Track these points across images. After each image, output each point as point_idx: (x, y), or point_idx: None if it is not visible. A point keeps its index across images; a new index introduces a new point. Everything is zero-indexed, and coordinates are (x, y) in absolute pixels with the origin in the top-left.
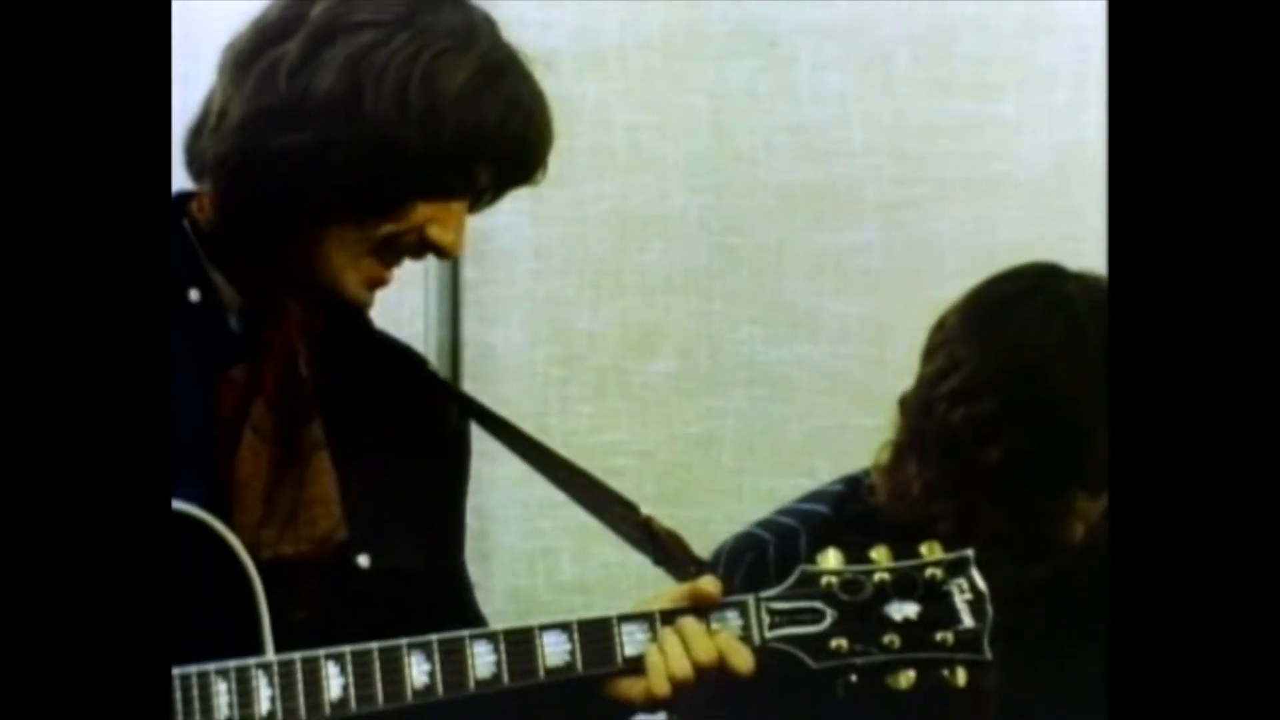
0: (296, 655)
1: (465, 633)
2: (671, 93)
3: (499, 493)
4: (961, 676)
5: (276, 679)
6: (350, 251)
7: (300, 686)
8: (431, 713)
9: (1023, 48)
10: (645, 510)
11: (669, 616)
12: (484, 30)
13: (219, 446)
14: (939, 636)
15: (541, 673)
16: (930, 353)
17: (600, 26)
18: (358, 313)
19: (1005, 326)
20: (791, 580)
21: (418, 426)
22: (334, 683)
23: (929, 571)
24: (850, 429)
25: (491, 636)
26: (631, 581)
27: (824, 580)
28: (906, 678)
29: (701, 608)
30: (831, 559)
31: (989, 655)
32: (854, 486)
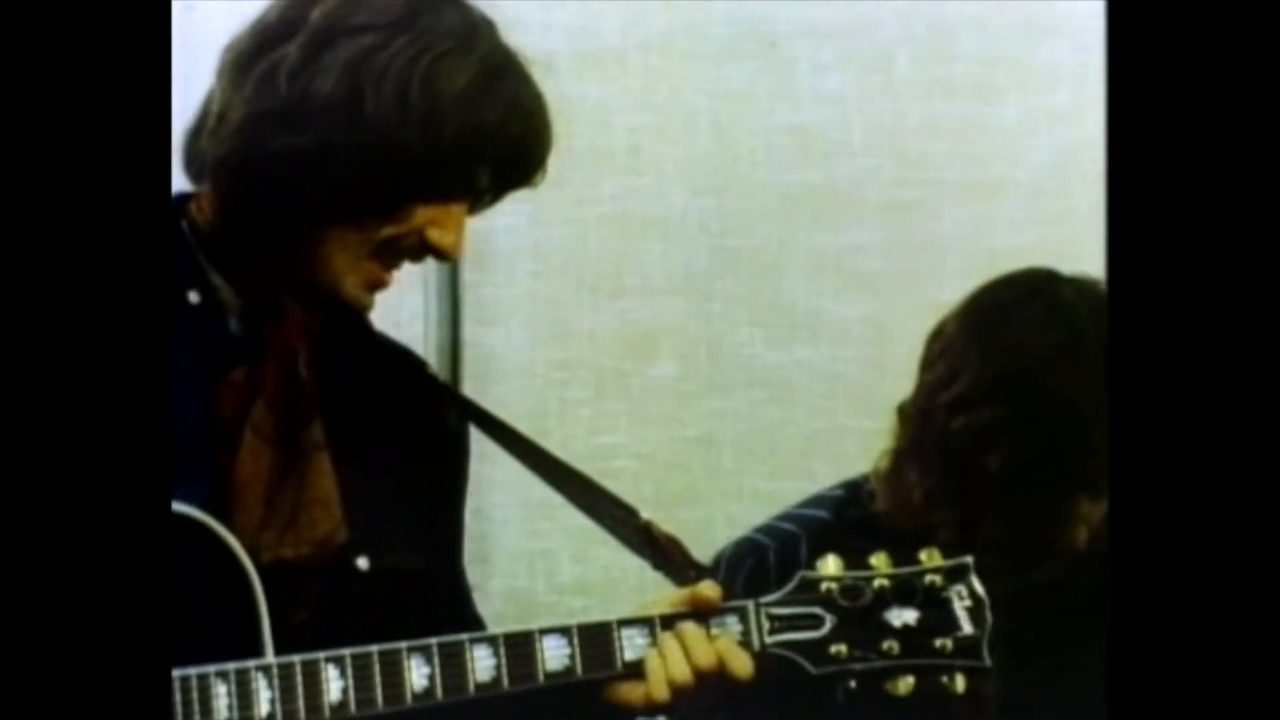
0: (296, 658)
1: (465, 636)
2: (671, 94)
3: (498, 494)
4: (960, 683)
5: (276, 681)
6: (350, 254)
7: (300, 689)
8: (431, 716)
9: (1023, 49)
10: (645, 514)
11: (669, 621)
12: (484, 32)
13: (219, 448)
14: (938, 643)
15: (541, 677)
16: (929, 361)
17: (600, 27)
18: (358, 315)
19: (1004, 333)
20: (791, 586)
21: (417, 428)
22: (333, 685)
23: (928, 578)
24: (850, 431)
25: (491, 640)
26: (631, 584)
27: (824, 586)
28: (906, 684)
29: (701, 613)
30: (831, 565)
31: (988, 662)
32: (854, 491)
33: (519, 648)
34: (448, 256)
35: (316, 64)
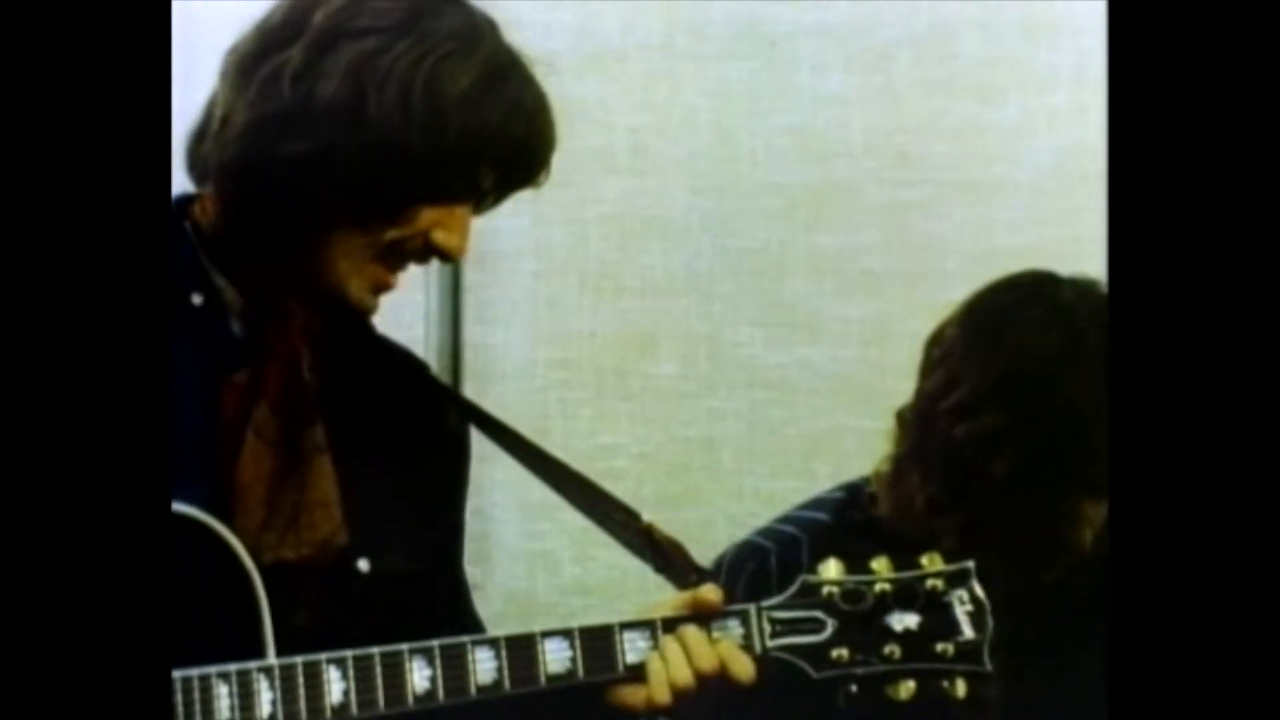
0: (298, 659)
1: (467, 638)
2: (672, 94)
3: (499, 494)
4: (961, 688)
5: (278, 682)
6: (355, 257)
7: (301, 690)
8: (432, 718)
9: (1023, 49)
10: (646, 516)
11: (670, 624)
12: (486, 33)
13: (221, 449)
14: (939, 647)
15: (543, 679)
16: (928, 367)
17: (601, 28)
18: (363, 318)
19: (1004, 337)
20: (793, 590)
21: (419, 431)
22: (335, 687)
23: (930, 582)
24: (850, 431)
25: (493, 642)
26: (632, 584)
27: (825, 590)
28: (907, 688)
29: (703, 616)
30: (833, 569)
31: (989, 667)
32: (854, 494)
33: (521, 650)
34: (453, 258)
35: (319, 67)
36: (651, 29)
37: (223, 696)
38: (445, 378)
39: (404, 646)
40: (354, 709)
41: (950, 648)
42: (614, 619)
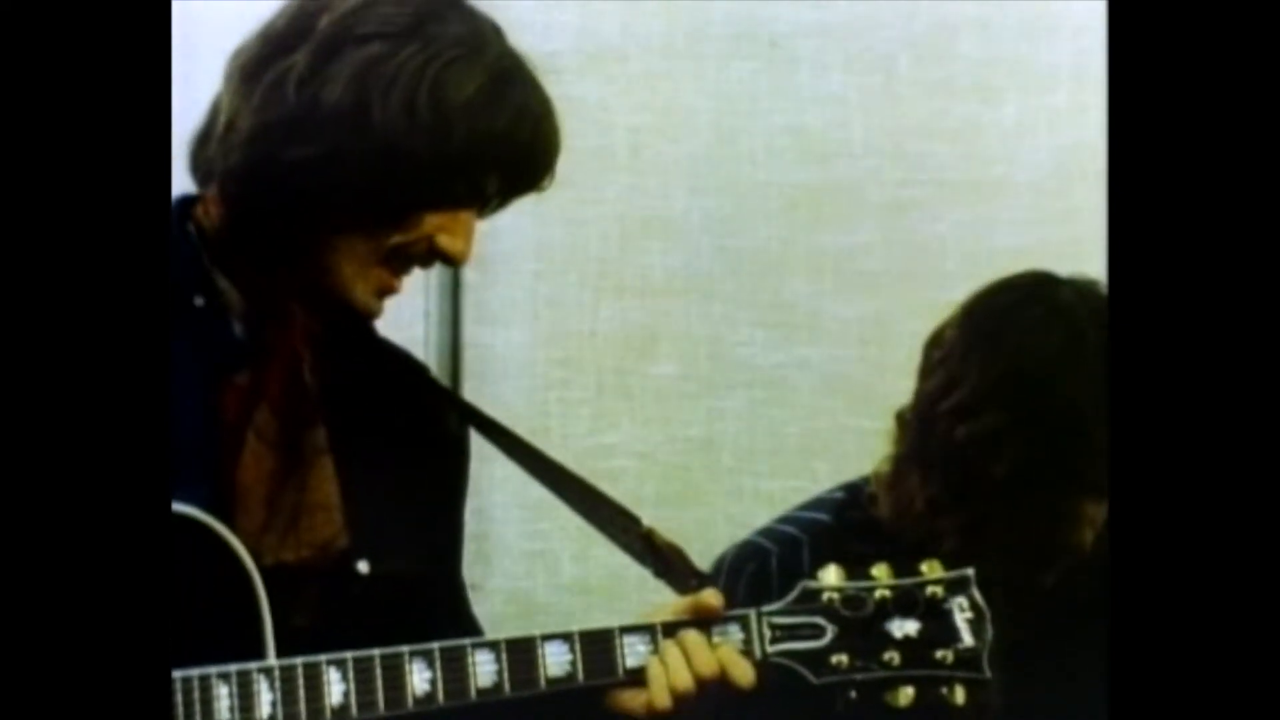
0: (298, 660)
1: (467, 641)
2: (672, 94)
3: (499, 494)
4: (960, 694)
5: (278, 684)
6: (360, 262)
7: (301, 691)
8: None
9: (1023, 50)
10: (646, 520)
11: (671, 629)
12: (491, 39)
13: (222, 451)
14: (939, 654)
15: (543, 682)
16: (928, 368)
17: (601, 28)
18: (365, 321)
19: (1004, 338)
20: (793, 595)
21: (419, 433)
22: (335, 689)
23: (930, 589)
24: (850, 431)
25: (493, 645)
26: (632, 584)
27: (825, 596)
28: (906, 695)
29: (703, 621)
30: (833, 575)
31: (988, 674)
32: (855, 493)
33: (521, 653)
34: (457, 262)
35: (324, 73)
36: (651, 29)
37: (223, 697)
38: (445, 377)
39: (404, 649)
40: (354, 710)
41: (950, 655)
42: (614, 619)
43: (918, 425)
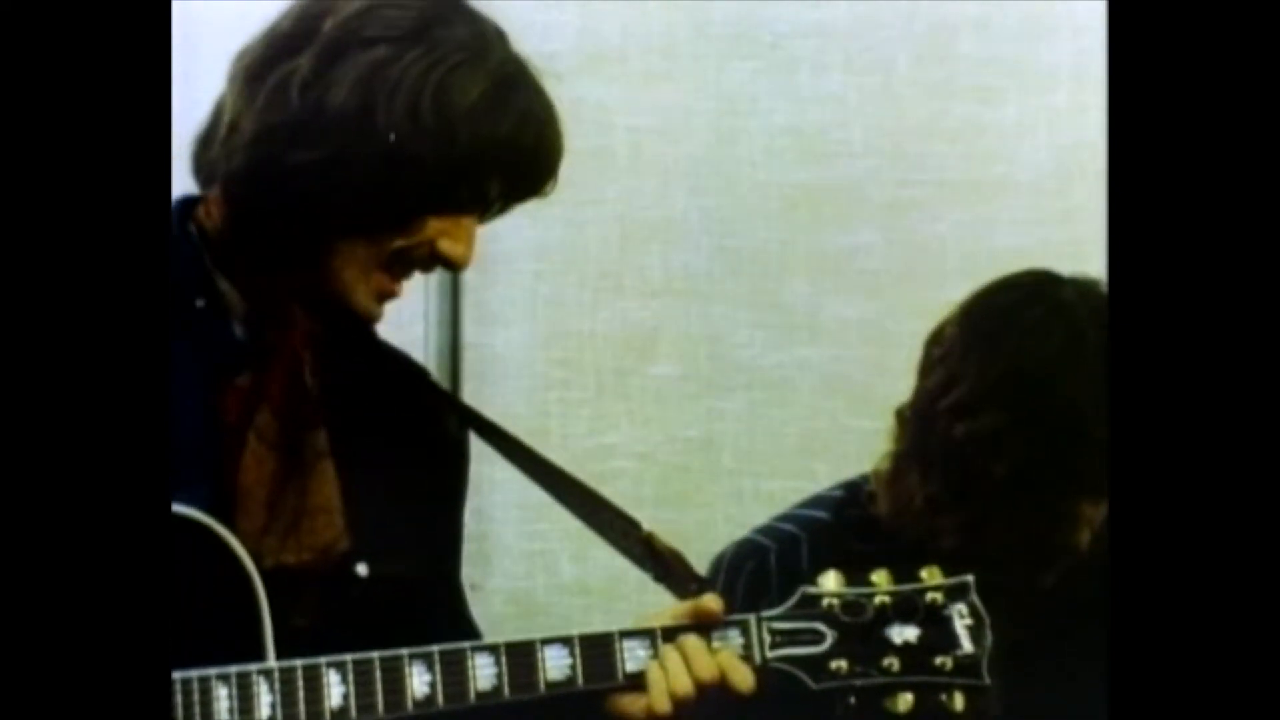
0: (298, 662)
1: (467, 644)
2: (672, 95)
3: (498, 494)
4: (960, 701)
5: (278, 685)
6: (361, 265)
7: (301, 693)
8: None
9: (1023, 49)
10: (645, 519)
11: (671, 633)
12: (495, 44)
13: (223, 453)
14: (938, 661)
15: (542, 686)
16: (928, 366)
17: (601, 29)
18: (366, 325)
19: (1005, 337)
20: (793, 601)
21: (419, 436)
22: (335, 691)
23: (929, 595)
24: (850, 431)
25: (493, 648)
26: (631, 585)
27: (825, 601)
28: (905, 701)
29: (703, 625)
30: (832, 581)
31: (987, 681)
32: (854, 492)
33: (520, 656)
34: (458, 267)
35: (329, 76)
36: (651, 29)
37: (222, 699)
38: (445, 378)
39: (404, 651)
40: (353, 713)
41: (949, 661)
42: (613, 620)
43: (917, 423)
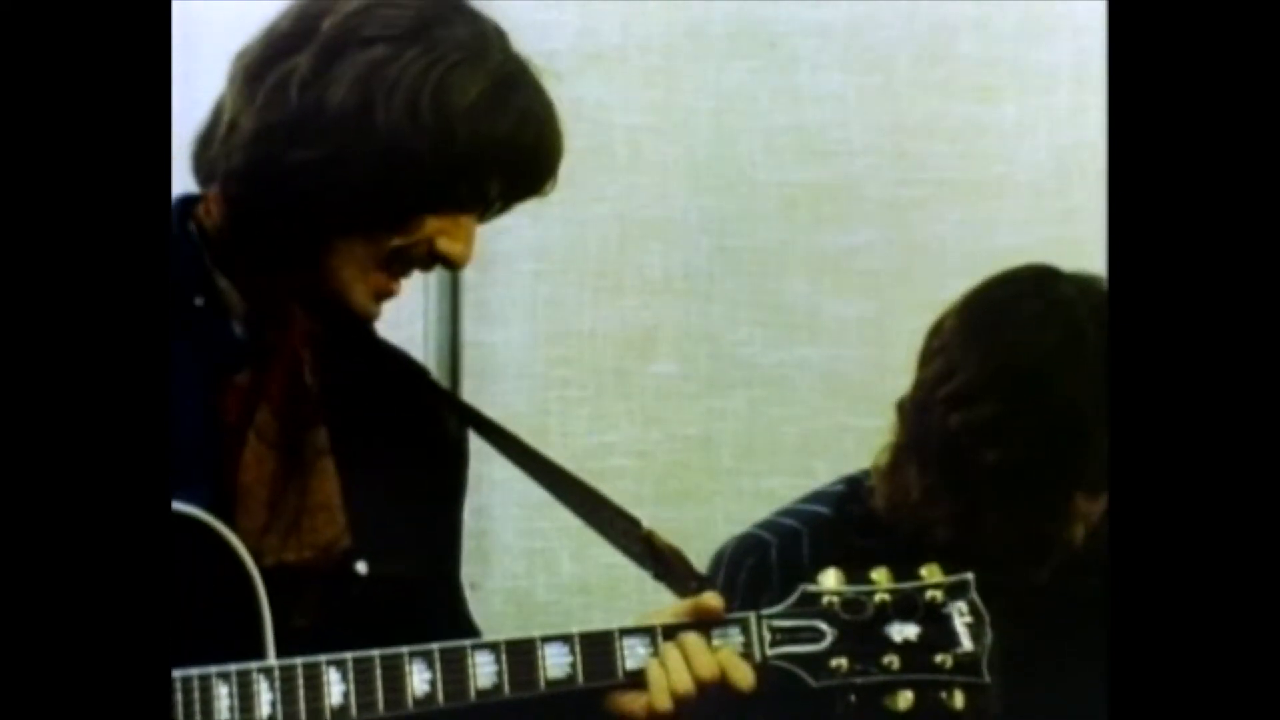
0: (298, 660)
1: (467, 642)
2: (672, 94)
3: (498, 493)
4: (960, 699)
5: (278, 684)
6: (359, 264)
7: (301, 692)
8: None
9: (1023, 49)
10: (645, 518)
11: (671, 631)
12: (495, 43)
13: (223, 451)
14: (938, 659)
15: (542, 684)
16: (928, 357)
17: (601, 28)
18: (364, 324)
19: (1004, 329)
20: (793, 599)
21: (419, 435)
22: (335, 689)
23: (929, 593)
24: (850, 430)
25: (493, 646)
26: (631, 583)
27: (825, 599)
28: (905, 699)
29: (703, 623)
30: (832, 579)
31: (987, 678)
32: (855, 487)
33: (520, 654)
34: (457, 266)
35: (327, 75)
36: (651, 29)
37: (223, 697)
38: (445, 377)
39: (404, 649)
40: (353, 711)
41: (949, 659)
42: (613, 618)
43: (915, 414)
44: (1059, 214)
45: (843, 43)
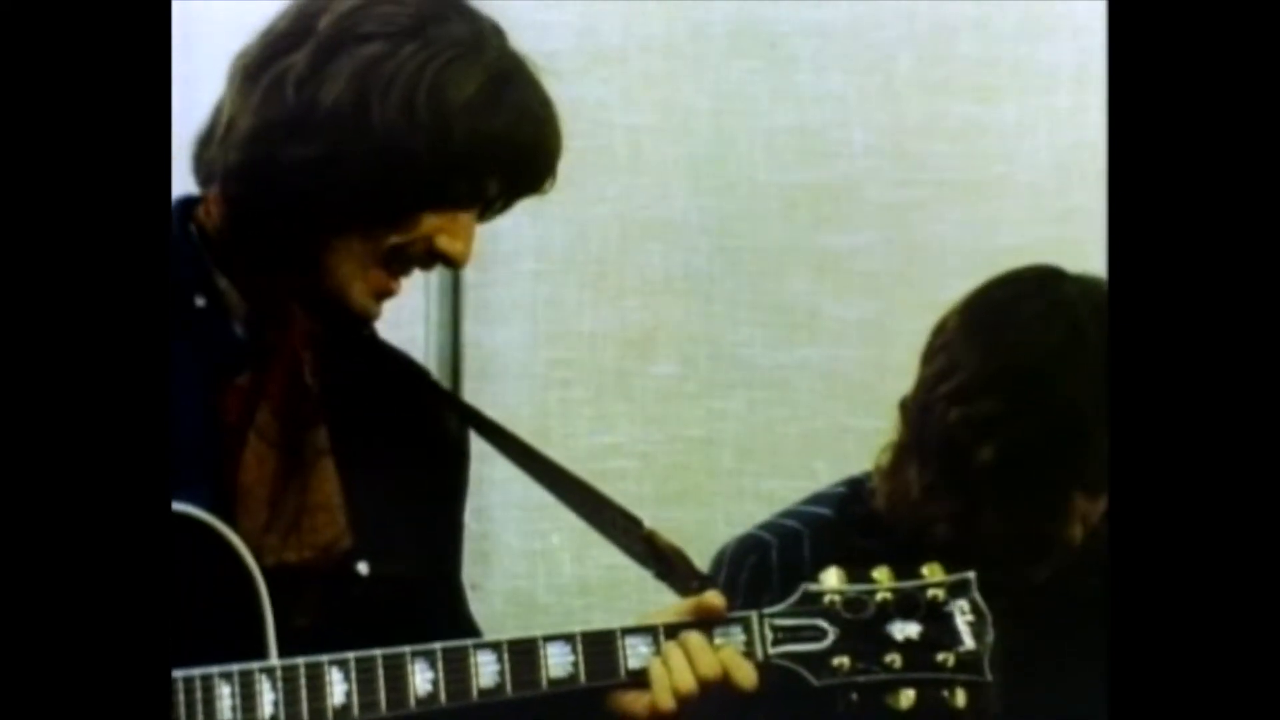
0: (300, 660)
1: (469, 642)
2: (672, 94)
3: (499, 493)
4: (961, 697)
5: (280, 684)
6: (358, 262)
7: (303, 692)
8: None
9: (1023, 49)
10: (646, 519)
11: (673, 630)
12: (492, 40)
13: (224, 452)
14: (940, 657)
15: (544, 683)
16: (930, 355)
17: (601, 28)
18: (364, 323)
19: (1005, 329)
20: (795, 598)
21: (420, 435)
22: (337, 689)
23: (931, 592)
24: (850, 431)
25: (495, 646)
26: (632, 583)
27: (827, 598)
28: (907, 697)
29: (705, 622)
30: (834, 578)
31: (989, 677)
32: (856, 488)
33: (523, 654)
34: (457, 264)
35: (324, 73)
36: (651, 29)
37: (225, 697)
38: (445, 377)
39: (406, 649)
40: (356, 711)
41: (951, 658)
42: (614, 618)
43: (917, 412)
44: (1059, 214)
45: (843, 43)
